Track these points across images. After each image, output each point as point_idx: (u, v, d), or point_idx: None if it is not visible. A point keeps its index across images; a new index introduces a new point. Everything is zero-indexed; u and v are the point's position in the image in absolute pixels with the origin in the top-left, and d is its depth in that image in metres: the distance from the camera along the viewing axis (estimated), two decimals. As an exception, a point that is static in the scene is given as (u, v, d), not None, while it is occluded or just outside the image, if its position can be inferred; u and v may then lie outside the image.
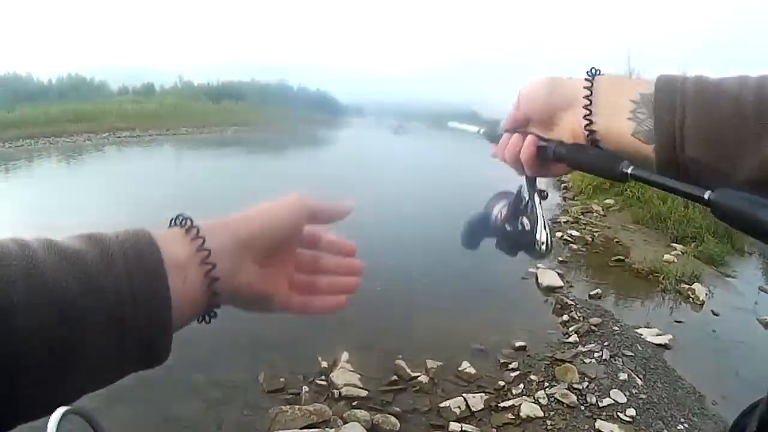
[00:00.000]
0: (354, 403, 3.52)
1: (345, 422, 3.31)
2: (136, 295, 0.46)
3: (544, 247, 0.79)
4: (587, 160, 0.70)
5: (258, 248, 0.57)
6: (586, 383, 3.99)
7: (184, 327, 0.52)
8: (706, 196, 0.55)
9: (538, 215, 0.80)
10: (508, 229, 0.83)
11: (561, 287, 5.72)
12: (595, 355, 4.34)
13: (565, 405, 3.73)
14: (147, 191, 10.78)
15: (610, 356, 4.34)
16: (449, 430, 3.37)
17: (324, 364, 3.88)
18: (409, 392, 3.70)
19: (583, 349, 4.39)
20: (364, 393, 3.60)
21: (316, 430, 3.18)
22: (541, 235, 0.79)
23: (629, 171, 0.64)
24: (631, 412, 3.68)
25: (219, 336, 3.98)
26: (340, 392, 3.59)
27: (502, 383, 3.89)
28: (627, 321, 5.01)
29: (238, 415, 3.39)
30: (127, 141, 20.59)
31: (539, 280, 5.83)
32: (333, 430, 3.21)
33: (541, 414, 3.61)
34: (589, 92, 0.69)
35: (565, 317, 4.95)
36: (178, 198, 9.72)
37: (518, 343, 4.34)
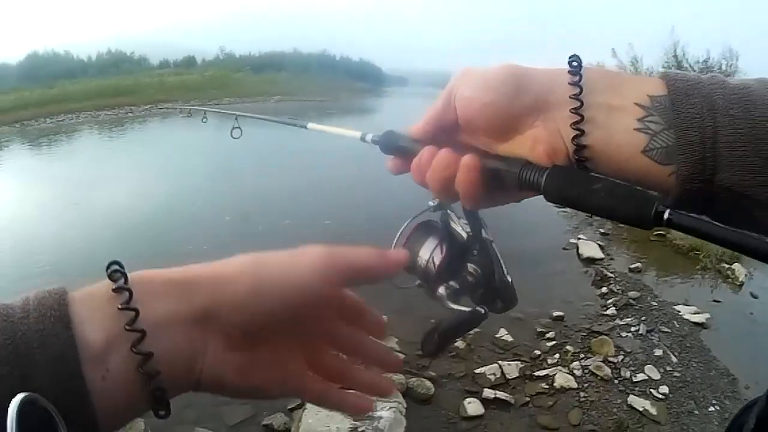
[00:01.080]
0: (391, 366, 3.55)
1: (381, 384, 3.35)
2: (24, 408, 0.31)
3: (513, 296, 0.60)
4: (594, 197, 0.46)
5: (240, 327, 0.41)
6: (622, 357, 3.98)
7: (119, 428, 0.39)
8: None
9: (494, 256, 0.60)
10: (454, 284, 0.58)
11: (601, 259, 5.67)
12: (632, 329, 4.32)
13: (599, 378, 3.73)
14: (185, 162, 10.94)
15: (647, 331, 4.32)
16: (483, 396, 3.42)
17: (362, 325, 3.90)
18: (445, 357, 3.74)
19: (621, 323, 4.37)
20: (401, 356, 3.60)
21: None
22: (510, 285, 0.60)
23: (666, 215, 0.43)
24: (664, 389, 3.67)
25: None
26: (378, 355, 3.62)
27: (537, 352, 3.91)
28: (665, 297, 4.97)
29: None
30: (168, 113, 20.66)
31: (580, 251, 5.79)
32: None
33: (575, 385, 3.62)
34: (578, 90, 0.48)
35: (604, 290, 4.92)
36: (216, 169, 9.84)
37: (556, 313, 4.34)
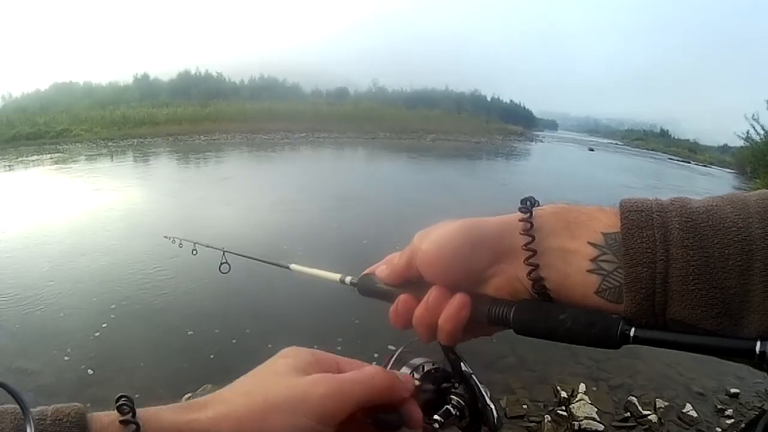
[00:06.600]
0: (591, 437, 3.82)
1: (587, 457, 3.61)
2: None
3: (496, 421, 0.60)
4: (561, 327, 0.48)
5: None
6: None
7: None
8: (757, 349, 0.39)
9: (476, 386, 0.60)
10: (438, 417, 0.58)
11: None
12: (799, 409, 4.51)
13: (772, 457, 3.97)
14: (326, 193, 11.78)
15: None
16: (677, 473, 3.67)
17: (563, 394, 4.21)
18: (638, 430, 3.99)
19: (790, 403, 4.58)
20: (600, 427, 3.88)
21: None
22: (493, 412, 0.60)
23: (632, 332, 0.45)
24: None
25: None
26: (580, 425, 3.87)
27: (719, 430, 4.12)
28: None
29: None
30: (323, 142, 21.18)
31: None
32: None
33: (752, 464, 3.88)
34: (530, 238, 0.50)
35: (772, 366, 5.06)
36: (359, 205, 10.65)
37: (732, 390, 4.54)
